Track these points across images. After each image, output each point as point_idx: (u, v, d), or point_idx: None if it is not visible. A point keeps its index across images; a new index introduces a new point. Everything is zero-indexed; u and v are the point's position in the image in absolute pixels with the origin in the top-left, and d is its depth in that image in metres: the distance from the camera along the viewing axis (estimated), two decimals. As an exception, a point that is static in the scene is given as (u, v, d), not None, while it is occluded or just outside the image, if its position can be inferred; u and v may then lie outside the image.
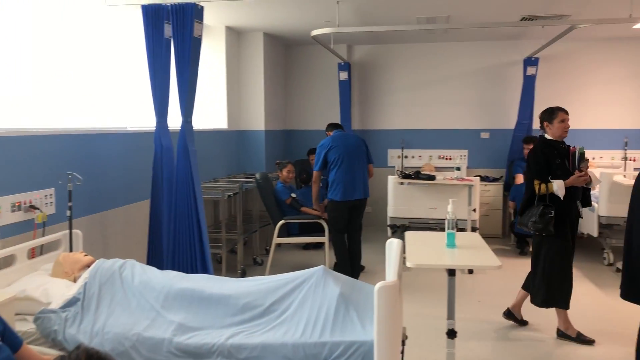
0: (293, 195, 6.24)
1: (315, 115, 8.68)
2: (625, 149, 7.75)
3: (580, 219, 4.20)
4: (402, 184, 6.96)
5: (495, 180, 8.09)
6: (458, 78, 8.47)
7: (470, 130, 8.49)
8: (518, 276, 5.90)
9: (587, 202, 4.21)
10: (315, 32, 5.92)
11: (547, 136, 4.19)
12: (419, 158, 8.61)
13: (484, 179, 8.09)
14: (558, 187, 3.97)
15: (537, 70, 7.81)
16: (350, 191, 5.59)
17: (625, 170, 7.70)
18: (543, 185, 4.01)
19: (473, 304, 5.05)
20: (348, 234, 5.87)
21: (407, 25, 6.57)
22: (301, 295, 3.03)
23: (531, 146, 7.47)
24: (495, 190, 7.91)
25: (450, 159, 8.46)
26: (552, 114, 4.15)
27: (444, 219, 3.28)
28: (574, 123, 8.14)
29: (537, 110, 8.06)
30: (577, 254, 7.05)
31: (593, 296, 5.30)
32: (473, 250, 3.07)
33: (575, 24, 5.75)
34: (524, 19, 6.54)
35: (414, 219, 6.95)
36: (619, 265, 5.65)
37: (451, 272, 2.96)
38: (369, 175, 5.88)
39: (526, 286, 4.43)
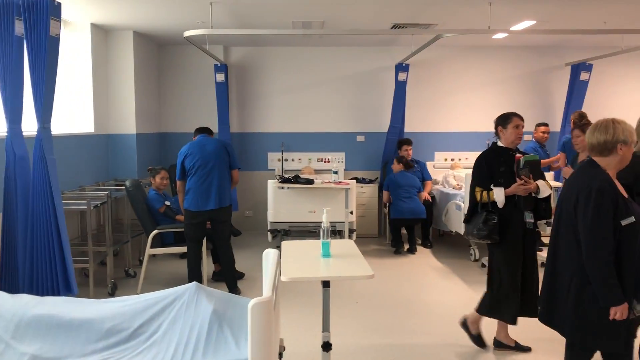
0: (167, 203, 5.97)
1: (192, 118, 8.40)
2: (488, 151, 8.33)
3: (540, 233, 4.08)
4: (282, 188, 6.94)
5: (370, 181, 8.33)
6: (335, 82, 8.61)
7: (346, 134, 8.67)
8: (394, 276, 6.11)
9: (545, 214, 3.98)
10: (187, 33, 5.70)
11: (499, 143, 4.04)
12: (298, 161, 8.64)
13: (360, 180, 8.30)
14: (497, 194, 3.85)
15: (408, 76, 8.14)
16: (203, 201, 5.31)
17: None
18: (484, 193, 3.91)
19: (352, 307, 5.14)
20: (215, 245, 5.72)
21: (282, 29, 6.55)
22: (171, 316, 2.87)
23: (409, 147, 7.86)
24: (370, 191, 8.14)
25: (328, 161, 8.59)
26: (506, 119, 3.98)
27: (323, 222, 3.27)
28: (443, 126, 8.62)
29: (409, 114, 8.42)
30: (445, 251, 7.51)
31: (459, 291, 5.61)
32: (348, 260, 3.08)
33: (441, 33, 6.05)
34: (394, 26, 6.78)
35: (294, 223, 6.95)
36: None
37: (325, 284, 2.95)
38: (234, 181, 5.58)
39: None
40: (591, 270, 2.61)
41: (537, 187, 3.84)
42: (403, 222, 7.22)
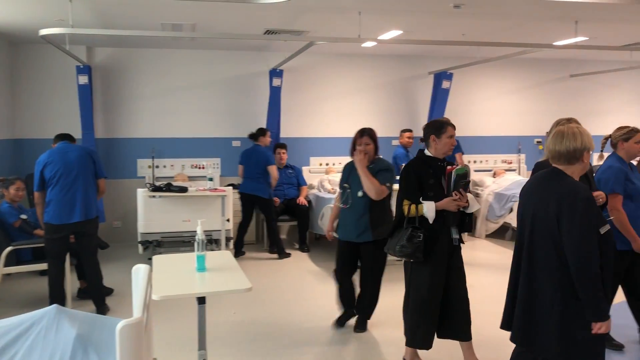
0: (23, 216, 5.45)
1: (52, 123, 7.74)
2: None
3: (460, 246, 3.78)
4: (153, 197, 6.62)
5: (247, 187, 8.23)
6: (209, 86, 8.40)
7: (222, 139, 8.50)
8: (272, 282, 6.07)
9: (467, 227, 3.78)
10: (43, 32, 5.25)
11: (427, 152, 3.71)
12: (171, 168, 8.32)
13: (236, 186, 8.17)
14: (428, 209, 3.55)
15: (283, 82, 8.16)
16: (67, 213, 4.92)
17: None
18: (413, 207, 3.58)
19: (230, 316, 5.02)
20: (80, 260, 5.34)
21: (151, 30, 6.26)
22: (27, 344, 2.58)
23: (284, 152, 7.87)
24: (248, 197, 8.05)
25: (203, 167, 8.36)
26: (441, 128, 3.64)
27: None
28: (317, 132, 8.75)
29: (284, 119, 8.44)
30: (322, 254, 7.55)
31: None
32: (225, 273, 2.99)
33: (313, 40, 6.13)
34: (267, 32, 6.76)
35: (167, 233, 6.66)
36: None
37: (201, 300, 2.83)
38: (100, 191, 5.23)
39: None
40: (583, 284, 2.49)
41: (468, 202, 3.64)
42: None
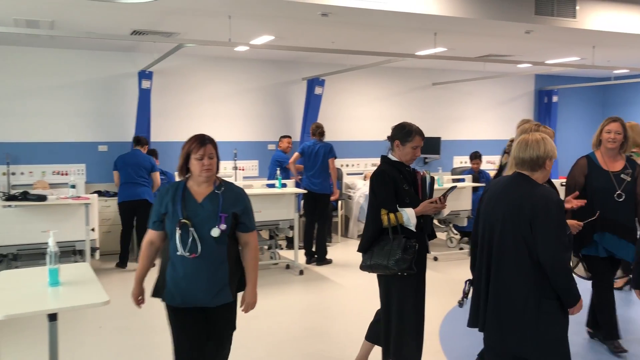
0: None
1: None
2: (235, 160, 8.49)
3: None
4: (8, 206, 6.08)
5: (115, 194, 7.84)
6: (71, 88, 7.89)
7: (87, 143, 8.03)
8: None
9: (433, 234, 3.61)
10: None
11: (391, 157, 3.49)
12: (29, 175, 7.71)
13: (103, 194, 7.76)
14: (409, 216, 3.32)
15: (152, 84, 7.89)
16: None
17: (236, 180, 8.43)
18: (392, 216, 3.32)
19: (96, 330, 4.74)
20: None
21: (2, 26, 5.77)
22: None
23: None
24: (116, 205, 7.66)
25: (66, 174, 7.83)
26: (408, 135, 3.41)
27: (60, 242, 2.94)
28: (189, 136, 8.52)
29: (154, 123, 8.16)
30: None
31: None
32: (80, 286, 2.81)
33: (183, 42, 5.99)
34: (134, 32, 6.50)
35: (24, 246, 6.15)
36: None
37: (52, 317, 2.63)
38: None
39: (371, 336, 3.75)
40: (559, 279, 2.62)
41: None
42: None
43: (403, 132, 3.43)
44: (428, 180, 3.51)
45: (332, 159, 7.12)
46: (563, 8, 6.05)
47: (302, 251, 7.19)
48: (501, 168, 4.97)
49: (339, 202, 8.54)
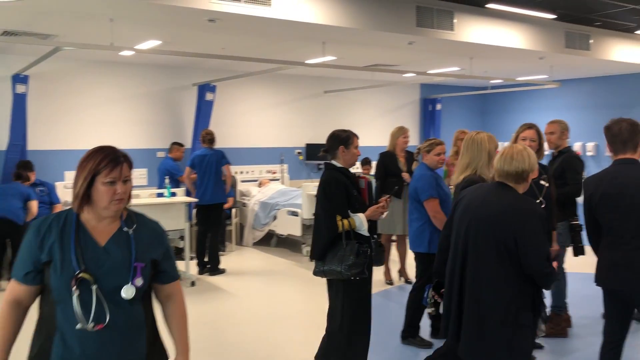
0: None
1: None
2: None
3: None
4: None
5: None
6: None
7: (-48, 153, 7.34)
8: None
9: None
10: None
11: (336, 163, 3.58)
12: None
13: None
14: (361, 221, 3.43)
15: (28, 88, 7.36)
16: None
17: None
18: (345, 221, 3.39)
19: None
20: None
21: None
22: None
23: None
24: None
25: None
26: (348, 139, 3.57)
27: None
28: (73, 144, 8.06)
29: (32, 130, 7.61)
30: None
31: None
32: None
33: (60, 45, 5.66)
34: (6, 33, 6.04)
35: None
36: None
37: None
38: None
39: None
40: (546, 281, 2.70)
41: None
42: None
43: (344, 138, 3.57)
44: (374, 185, 3.68)
45: (227, 165, 7.03)
46: (442, 21, 6.40)
47: (194, 262, 7.02)
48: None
49: (233, 210, 8.44)
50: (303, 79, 10.20)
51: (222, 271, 6.98)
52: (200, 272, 6.94)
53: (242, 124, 9.64)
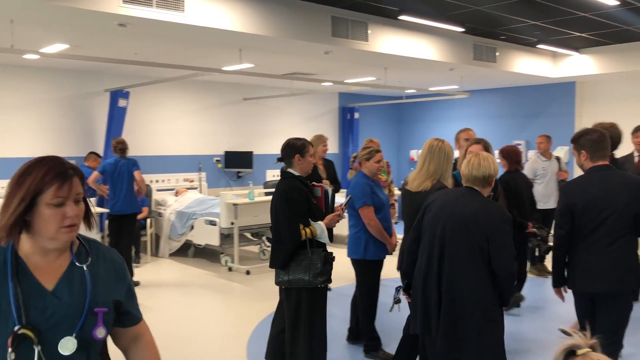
0: None
1: None
2: None
3: None
4: None
5: None
6: None
7: None
8: None
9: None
10: None
11: (293, 171, 3.59)
12: None
13: None
14: (322, 229, 3.48)
15: None
16: None
17: None
18: (307, 230, 3.43)
19: None
20: None
21: None
22: None
23: None
24: None
25: None
26: (304, 147, 3.59)
27: None
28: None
29: None
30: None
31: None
32: None
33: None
34: None
35: None
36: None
37: None
38: None
39: (272, 354, 3.77)
40: (509, 285, 2.90)
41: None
42: None
43: (299, 146, 3.58)
44: (330, 193, 3.67)
45: (138, 171, 6.79)
46: (356, 31, 6.53)
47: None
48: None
49: (148, 220, 8.18)
50: (221, 86, 10.08)
51: (136, 284, 6.73)
52: (113, 286, 6.65)
53: (158, 131, 9.38)
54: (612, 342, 3.18)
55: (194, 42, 6.30)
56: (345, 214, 3.88)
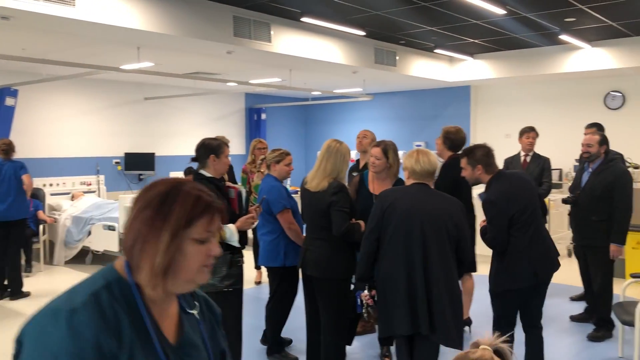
0: None
1: None
2: None
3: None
4: None
5: None
6: None
7: None
8: None
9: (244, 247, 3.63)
10: None
11: (205, 172, 3.46)
12: None
13: None
14: (232, 232, 3.40)
15: None
16: None
17: None
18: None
19: None
20: None
21: None
22: None
23: None
24: None
25: None
26: (219, 148, 3.48)
27: None
28: None
29: None
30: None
31: None
32: None
33: None
34: None
35: None
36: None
37: None
38: None
39: None
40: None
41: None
42: None
43: (214, 146, 3.49)
44: (244, 195, 3.64)
45: (27, 175, 6.35)
46: (259, 32, 6.50)
47: (-8, 286, 6.25)
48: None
49: (41, 226, 7.69)
50: (121, 85, 9.69)
51: (25, 294, 6.30)
52: (-1, 297, 6.20)
53: (51, 132, 8.85)
54: None
55: (88, 39, 6.00)
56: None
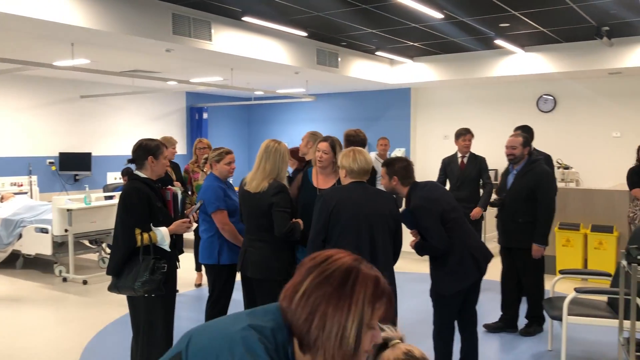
0: None
1: None
2: None
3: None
4: None
5: None
6: None
7: None
8: None
9: (181, 250, 3.62)
10: None
11: (140, 174, 3.41)
12: None
13: None
14: (163, 235, 3.34)
15: None
16: None
17: None
18: (145, 235, 3.29)
19: None
20: None
21: None
22: None
23: None
24: None
25: None
26: (158, 148, 3.43)
27: None
28: None
29: None
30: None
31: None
32: None
33: None
34: None
35: None
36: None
37: None
38: None
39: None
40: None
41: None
42: None
43: (153, 147, 3.42)
44: (180, 197, 3.61)
45: None
46: (199, 30, 6.40)
47: None
48: None
49: (-33, 230, 7.30)
50: (55, 82, 9.33)
51: (-50, 302, 5.97)
52: None
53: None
54: None
55: (18, 33, 5.75)
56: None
